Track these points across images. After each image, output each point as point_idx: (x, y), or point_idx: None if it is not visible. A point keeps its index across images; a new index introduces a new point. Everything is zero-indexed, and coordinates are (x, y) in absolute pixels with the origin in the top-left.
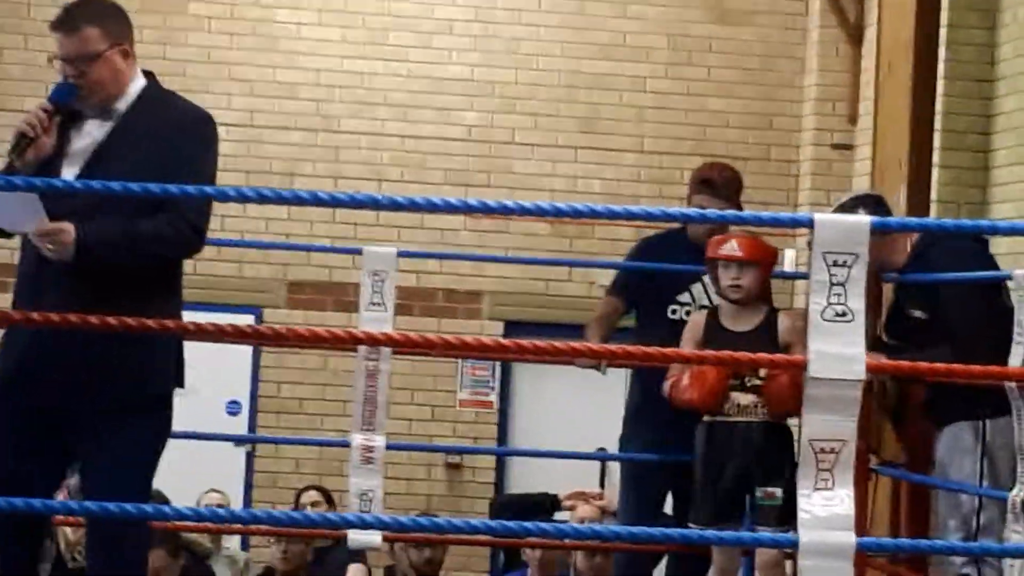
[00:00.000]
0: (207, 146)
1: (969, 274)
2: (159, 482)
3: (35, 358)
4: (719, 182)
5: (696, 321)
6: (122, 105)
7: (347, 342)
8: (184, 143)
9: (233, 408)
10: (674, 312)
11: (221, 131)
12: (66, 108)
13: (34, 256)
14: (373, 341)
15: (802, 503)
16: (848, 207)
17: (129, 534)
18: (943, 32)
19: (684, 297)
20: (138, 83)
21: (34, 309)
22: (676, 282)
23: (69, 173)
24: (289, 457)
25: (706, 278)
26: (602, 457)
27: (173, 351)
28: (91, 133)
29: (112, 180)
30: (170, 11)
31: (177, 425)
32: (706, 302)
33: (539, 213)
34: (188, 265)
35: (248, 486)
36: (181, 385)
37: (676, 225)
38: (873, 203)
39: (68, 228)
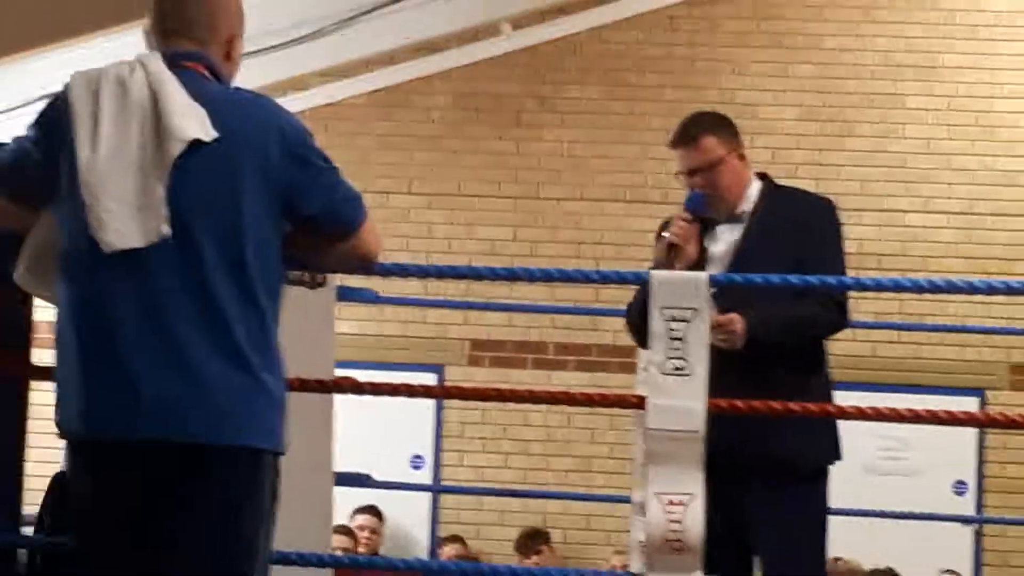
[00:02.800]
0: (836, 229)
1: None
2: (894, 562)
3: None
4: None
5: None
6: (747, 206)
7: None
8: (816, 232)
9: (960, 488)
10: None
11: (942, 219)
12: (700, 216)
13: None
14: None
15: None
16: None
17: None
18: None
19: None
20: (756, 183)
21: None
22: None
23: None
24: (1017, 536)
25: None
26: None
27: (832, 426)
28: (725, 237)
29: (765, 275)
30: (890, 107)
31: (904, 505)
32: None
33: None
34: (912, 349)
35: (978, 565)
36: (839, 458)
37: None
38: None
39: (738, 319)
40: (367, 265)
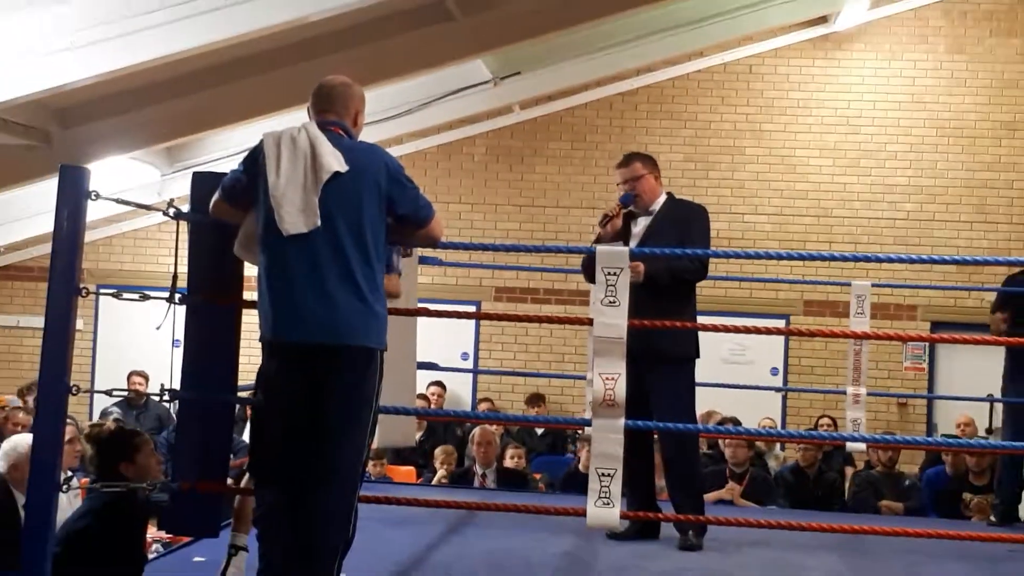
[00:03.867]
0: (705, 223)
1: None
2: (737, 414)
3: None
4: None
5: None
6: (656, 207)
7: (844, 337)
8: (693, 224)
9: (774, 371)
10: None
11: (764, 219)
12: (627, 207)
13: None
14: (863, 335)
15: None
16: None
17: (688, 439)
18: None
19: None
20: (664, 195)
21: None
22: None
23: (634, 246)
24: (806, 399)
25: None
26: (993, 400)
27: (695, 334)
28: (642, 223)
29: (661, 247)
30: (735, 155)
31: (743, 381)
32: None
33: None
34: (747, 291)
35: (784, 415)
36: (698, 356)
37: None
38: None
39: (641, 264)
40: (435, 243)
